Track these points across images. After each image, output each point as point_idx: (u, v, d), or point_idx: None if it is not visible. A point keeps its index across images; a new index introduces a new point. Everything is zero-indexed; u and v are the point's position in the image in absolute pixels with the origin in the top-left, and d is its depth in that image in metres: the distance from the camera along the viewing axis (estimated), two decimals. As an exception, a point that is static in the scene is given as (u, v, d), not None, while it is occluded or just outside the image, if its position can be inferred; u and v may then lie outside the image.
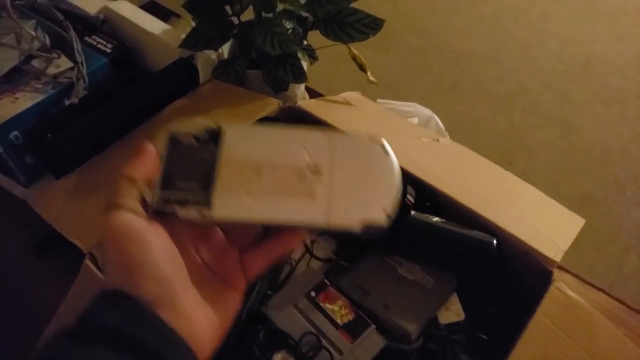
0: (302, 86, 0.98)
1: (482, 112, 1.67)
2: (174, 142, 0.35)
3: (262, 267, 0.37)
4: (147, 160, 0.34)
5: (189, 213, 0.33)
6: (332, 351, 0.58)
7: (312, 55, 0.86)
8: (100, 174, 0.74)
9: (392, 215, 0.33)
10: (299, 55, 0.83)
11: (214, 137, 0.36)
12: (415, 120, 0.88)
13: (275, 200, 0.34)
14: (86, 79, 0.85)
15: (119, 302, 0.30)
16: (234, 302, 0.36)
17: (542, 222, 0.67)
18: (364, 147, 0.35)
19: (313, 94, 1.06)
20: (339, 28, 0.82)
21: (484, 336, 0.61)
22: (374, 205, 0.33)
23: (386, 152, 0.35)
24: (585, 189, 1.42)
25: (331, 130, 0.36)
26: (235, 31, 0.86)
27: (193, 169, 0.35)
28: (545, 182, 1.43)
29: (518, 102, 1.70)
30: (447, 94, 1.77)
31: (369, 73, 0.82)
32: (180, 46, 0.82)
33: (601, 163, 1.50)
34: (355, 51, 0.82)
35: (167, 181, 0.34)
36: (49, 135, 0.77)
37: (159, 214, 0.34)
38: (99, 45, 0.92)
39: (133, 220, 0.31)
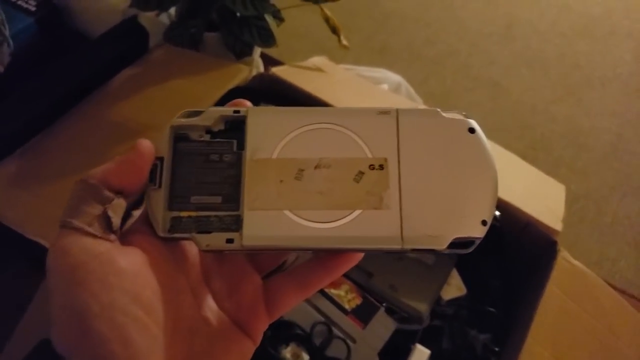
0: (258, 52, 0.90)
1: (415, 75, 1.68)
2: (180, 139, 0.27)
3: (294, 301, 0.28)
4: (136, 164, 0.25)
5: (213, 241, 0.25)
6: (346, 340, 0.55)
7: (277, 16, 0.78)
8: (46, 155, 0.63)
9: (489, 221, 0.25)
10: (265, 16, 0.76)
11: (235, 129, 0.27)
12: (385, 86, 0.84)
13: (329, 216, 0.25)
14: (10, 42, 0.72)
15: None
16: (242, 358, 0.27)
17: (531, 191, 0.67)
18: (442, 129, 0.27)
19: (266, 61, 0.98)
20: (309, -14, 0.75)
21: (491, 309, 0.60)
22: (466, 212, 0.25)
23: (475, 135, 0.27)
24: (516, 149, 1.47)
25: (385, 108, 0.28)
26: (190, -12, 0.76)
27: (211, 176, 0.27)
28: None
29: (448, 64, 1.73)
30: (378, 56, 1.75)
31: (342, 37, 0.77)
32: (131, 5, 0.71)
33: (529, 124, 1.57)
34: (328, 12, 0.76)
35: (176, 196, 0.26)
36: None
37: (166, 241, 0.26)
38: (19, 2, 0.78)
39: (93, 247, 0.23)
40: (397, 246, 0.25)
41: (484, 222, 0.25)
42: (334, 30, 0.77)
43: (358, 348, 0.55)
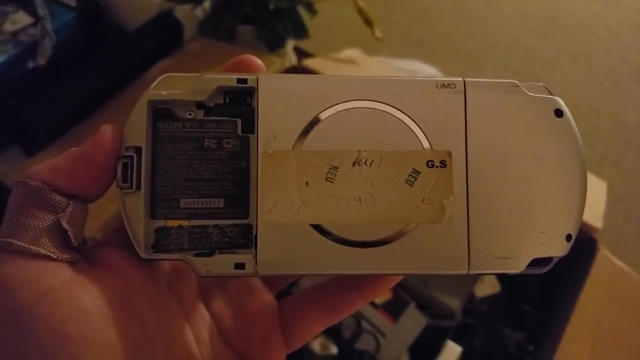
0: (292, 45, 0.90)
1: (452, 68, 1.64)
2: (162, 118, 0.20)
3: (318, 329, 0.22)
4: (94, 160, 0.19)
5: (216, 266, 0.19)
6: (376, 333, 0.54)
7: (311, 9, 0.78)
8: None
9: (575, 236, 0.20)
10: (299, 9, 0.75)
11: (240, 102, 0.20)
12: (420, 79, 0.83)
13: (372, 233, 0.19)
14: (53, 36, 0.74)
15: None
16: None
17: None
18: (522, 111, 0.20)
19: (301, 54, 0.97)
20: (344, -22, 0.74)
21: (526, 307, 0.58)
22: (548, 225, 0.20)
23: (563, 120, 0.20)
24: (558, 145, 1.43)
25: (448, 79, 0.21)
26: (224, -19, 0.77)
27: (207, 170, 0.20)
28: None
29: (488, 58, 1.69)
30: (416, 50, 1.72)
31: (376, 28, 0.76)
32: (167, -1, 0.72)
33: (572, 119, 1.52)
34: (361, 3, 0.75)
35: (161, 199, 0.20)
36: (14, 102, 0.67)
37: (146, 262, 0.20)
38: (61, -2, 0.80)
39: (43, 276, 0.17)
40: (461, 271, 0.19)
41: (568, 237, 0.20)
42: (368, 22, 0.76)
43: (388, 342, 0.54)
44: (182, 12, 0.79)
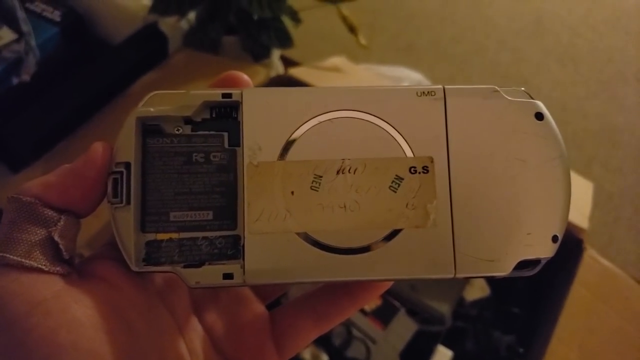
0: (278, 55, 0.90)
1: (441, 73, 1.65)
2: (151, 134, 0.21)
3: (310, 337, 0.23)
4: (85, 176, 0.19)
5: (205, 277, 0.19)
6: (366, 340, 0.54)
7: (295, 18, 0.78)
8: (71, 160, 0.64)
9: (561, 237, 0.21)
10: (283, 18, 0.76)
11: (226, 116, 0.21)
12: (406, 85, 0.83)
13: (358, 239, 0.20)
14: (37, 52, 0.74)
15: None
16: None
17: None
18: (502, 115, 0.20)
19: (287, 63, 0.98)
20: (326, -13, 0.75)
21: (516, 310, 0.58)
22: (533, 227, 0.20)
23: (544, 123, 0.21)
24: (547, 146, 1.43)
25: (427, 87, 0.21)
26: (207, -8, 0.77)
27: (195, 183, 0.20)
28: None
29: (475, 62, 1.70)
30: (404, 55, 1.73)
31: (360, 36, 0.76)
32: (150, 12, 0.72)
33: (560, 121, 1.52)
34: (345, 11, 0.76)
35: (151, 213, 0.20)
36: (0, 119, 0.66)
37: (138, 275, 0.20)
38: (44, 13, 0.80)
39: (35, 288, 0.17)
40: (448, 275, 0.19)
41: (554, 239, 0.20)
42: (352, 30, 0.76)
43: (378, 349, 0.54)
44: (166, 24, 0.80)
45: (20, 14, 0.75)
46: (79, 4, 0.82)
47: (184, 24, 0.83)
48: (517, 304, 0.59)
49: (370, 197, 0.20)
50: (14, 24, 0.74)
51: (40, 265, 0.18)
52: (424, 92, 0.21)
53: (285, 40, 0.75)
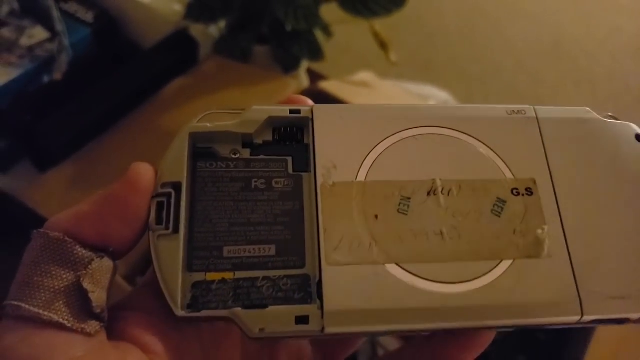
0: (305, 67, 0.91)
1: (459, 92, 1.65)
2: (203, 157, 0.18)
3: None
4: (127, 202, 0.16)
5: (272, 321, 0.16)
6: None
7: (327, 32, 0.79)
8: (100, 161, 0.65)
9: None
10: (314, 30, 0.76)
11: (290, 139, 0.19)
12: (433, 103, 0.83)
13: (459, 273, 0.17)
14: (70, 52, 0.74)
15: None
16: None
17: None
18: (600, 136, 0.19)
19: (311, 75, 0.98)
20: (360, 2, 0.75)
21: (542, 336, 0.58)
22: None
23: None
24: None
25: (516, 107, 0.19)
26: (241, 1, 0.77)
27: (255, 213, 0.17)
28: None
29: (493, 82, 1.70)
30: (422, 73, 1.74)
31: (391, 52, 0.76)
32: (185, 17, 0.73)
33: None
34: (377, 27, 0.76)
35: (200, 247, 0.17)
36: (29, 117, 0.66)
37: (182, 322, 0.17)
38: (78, 14, 0.80)
39: (54, 353, 0.14)
40: (573, 317, 0.16)
41: None
42: (383, 46, 0.77)
43: (402, 370, 0.53)
44: (197, 30, 0.80)
45: (55, 13, 0.75)
46: (111, 6, 0.83)
47: (214, 31, 0.84)
48: (543, 329, 0.59)
49: (471, 223, 0.17)
50: (48, 23, 0.75)
51: (61, 320, 0.14)
52: (513, 111, 0.19)
53: (316, 53, 0.76)
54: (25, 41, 0.73)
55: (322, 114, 0.18)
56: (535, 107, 0.20)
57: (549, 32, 1.85)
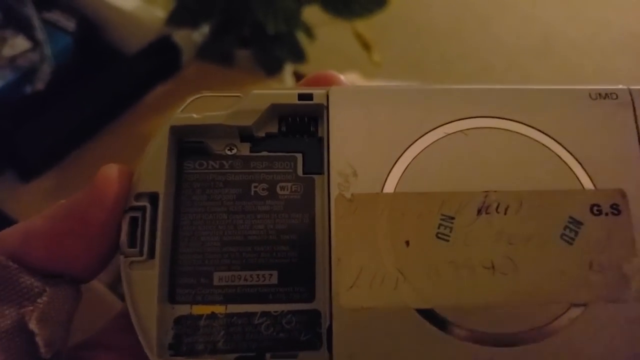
0: (290, 70, 0.91)
1: (449, 90, 1.66)
2: (189, 155, 0.15)
3: None
4: (91, 216, 0.13)
5: None
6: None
7: (309, 34, 0.79)
8: (83, 170, 0.64)
9: None
10: (296, 33, 0.76)
11: (300, 131, 0.15)
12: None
13: (517, 322, 0.12)
14: (52, 61, 0.74)
15: None
16: None
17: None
18: None
19: (298, 79, 0.98)
20: (342, 2, 0.75)
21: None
22: None
23: None
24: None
25: (603, 88, 0.14)
26: (222, 5, 0.77)
27: (252, 229, 0.14)
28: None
29: (484, 79, 1.70)
30: (412, 72, 1.74)
31: (374, 53, 0.76)
32: (167, 23, 0.73)
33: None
34: (359, 28, 0.76)
35: (184, 272, 0.13)
36: (11, 127, 0.66)
37: None
38: (59, 22, 0.80)
39: None
40: None
41: None
42: (366, 47, 0.77)
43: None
44: (179, 36, 0.80)
45: (37, 22, 0.75)
46: (93, 13, 0.83)
47: (197, 37, 0.84)
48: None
49: (532, 252, 0.13)
50: (29, 32, 0.75)
51: None
52: (599, 94, 0.15)
53: (298, 55, 0.75)
54: (7, 51, 0.73)
55: (341, 99, 0.14)
56: (631, 88, 0.15)
57: (537, 28, 1.85)
